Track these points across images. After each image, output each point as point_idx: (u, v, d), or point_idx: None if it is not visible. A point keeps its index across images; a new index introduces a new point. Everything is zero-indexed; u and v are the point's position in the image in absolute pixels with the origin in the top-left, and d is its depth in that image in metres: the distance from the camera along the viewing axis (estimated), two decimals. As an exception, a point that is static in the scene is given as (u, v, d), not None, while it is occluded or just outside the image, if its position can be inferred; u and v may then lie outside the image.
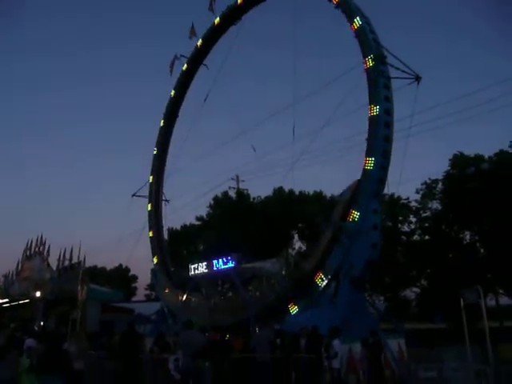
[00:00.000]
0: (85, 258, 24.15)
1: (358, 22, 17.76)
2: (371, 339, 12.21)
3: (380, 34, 17.94)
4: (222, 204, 46.68)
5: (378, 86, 16.57)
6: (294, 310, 17.38)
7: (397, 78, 17.28)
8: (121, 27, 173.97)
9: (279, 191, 44.04)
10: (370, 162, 16.22)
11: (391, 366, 13.80)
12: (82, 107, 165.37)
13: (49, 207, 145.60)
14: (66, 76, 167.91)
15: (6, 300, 32.14)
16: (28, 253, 33.77)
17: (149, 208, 31.67)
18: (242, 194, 45.39)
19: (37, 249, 32.59)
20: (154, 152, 32.75)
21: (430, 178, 35.29)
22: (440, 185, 34.70)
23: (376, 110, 16.44)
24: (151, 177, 32.61)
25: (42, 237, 32.28)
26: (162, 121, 32.81)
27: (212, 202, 47.65)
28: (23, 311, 29.79)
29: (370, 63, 16.93)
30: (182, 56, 31.62)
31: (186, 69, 31.43)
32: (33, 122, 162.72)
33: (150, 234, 30.96)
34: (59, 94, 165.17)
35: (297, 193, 44.46)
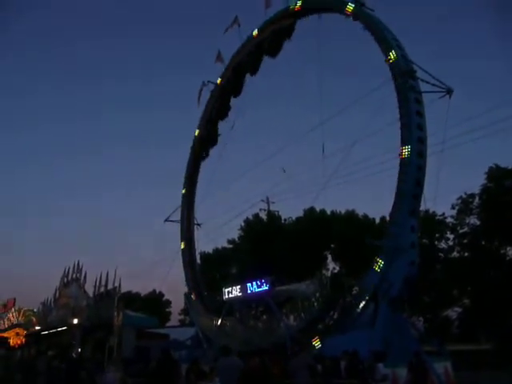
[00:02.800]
0: (120, 284, 24.47)
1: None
2: (414, 360, 11.66)
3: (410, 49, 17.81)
4: (253, 226, 46.50)
5: (409, 100, 16.34)
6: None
7: (428, 92, 16.98)
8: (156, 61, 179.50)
9: (310, 211, 43.52)
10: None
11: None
12: (119, 133, 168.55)
13: (85, 234, 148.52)
14: (97, 104, 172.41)
15: (45, 327, 32.71)
16: (65, 280, 34.45)
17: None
18: (273, 216, 45.17)
19: (74, 276, 33.25)
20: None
21: (465, 193, 34.29)
22: (477, 199, 33.62)
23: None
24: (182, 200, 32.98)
25: (78, 263, 33.02)
26: (193, 143, 33.28)
27: (243, 225, 47.61)
28: (61, 338, 30.16)
29: (399, 79, 16.76)
30: (209, 82, 32.02)
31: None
32: (65, 148, 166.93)
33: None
34: (95, 121, 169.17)
35: (328, 212, 43.92)
